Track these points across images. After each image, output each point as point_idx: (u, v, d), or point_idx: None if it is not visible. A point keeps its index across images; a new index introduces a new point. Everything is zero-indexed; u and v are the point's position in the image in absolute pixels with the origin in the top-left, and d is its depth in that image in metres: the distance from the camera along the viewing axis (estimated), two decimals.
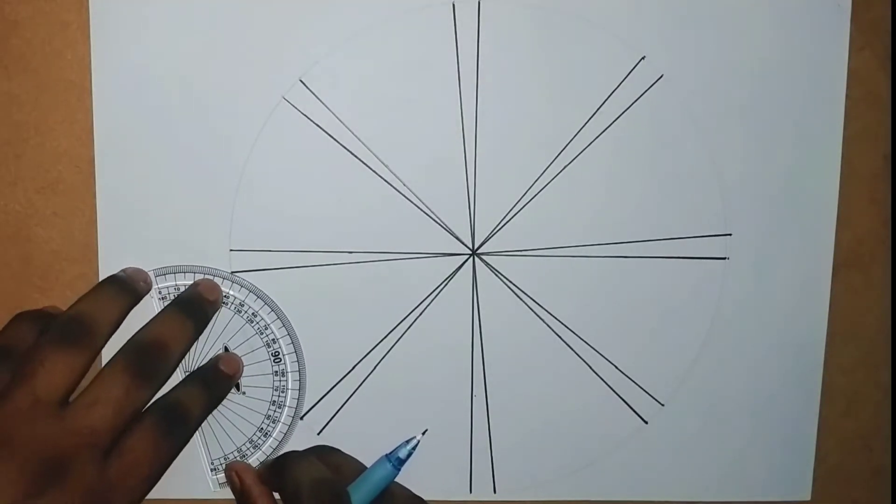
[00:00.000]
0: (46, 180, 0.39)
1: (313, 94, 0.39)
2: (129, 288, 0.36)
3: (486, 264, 0.40)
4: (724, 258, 0.40)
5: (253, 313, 0.39)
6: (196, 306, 0.37)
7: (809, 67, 0.39)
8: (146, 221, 0.39)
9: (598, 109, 0.39)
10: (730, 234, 0.40)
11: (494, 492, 0.41)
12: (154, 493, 0.41)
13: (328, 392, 0.40)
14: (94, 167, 0.39)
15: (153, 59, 0.38)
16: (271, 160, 0.39)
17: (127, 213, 0.39)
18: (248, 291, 0.39)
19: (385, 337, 0.40)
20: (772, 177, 0.40)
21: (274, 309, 0.39)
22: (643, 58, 0.39)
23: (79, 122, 0.38)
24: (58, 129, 0.39)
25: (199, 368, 0.39)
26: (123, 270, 0.38)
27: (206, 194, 0.39)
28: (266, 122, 0.39)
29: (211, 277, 0.39)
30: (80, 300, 0.35)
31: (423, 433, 0.38)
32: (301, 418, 0.40)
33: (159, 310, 0.38)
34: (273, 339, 0.39)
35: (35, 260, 0.39)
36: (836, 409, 0.41)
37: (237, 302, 0.39)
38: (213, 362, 0.38)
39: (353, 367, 0.40)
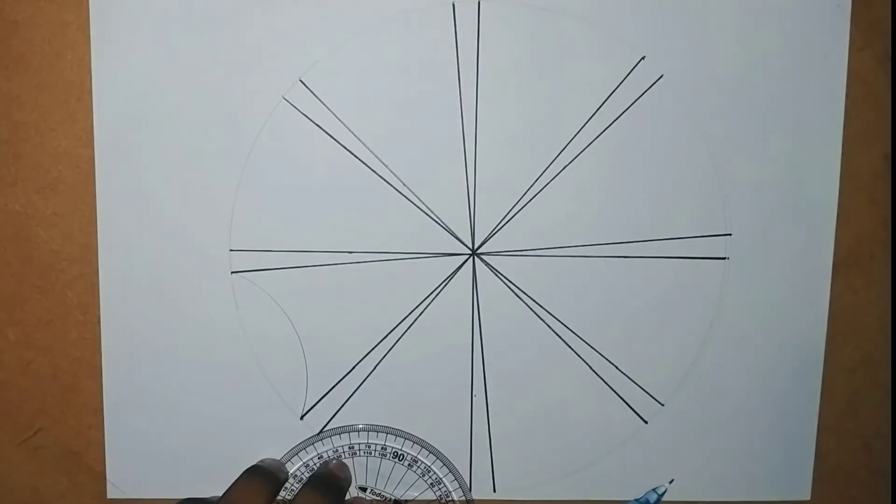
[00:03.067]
0: (46, 180, 0.39)
1: (313, 94, 0.39)
2: (271, 477, 0.37)
3: (486, 264, 0.40)
4: (724, 258, 0.40)
5: (426, 468, 0.40)
6: (331, 483, 0.38)
7: (809, 67, 0.39)
8: (146, 221, 0.39)
9: (598, 109, 0.39)
10: (730, 234, 0.40)
11: (494, 491, 0.41)
12: (155, 494, 0.41)
13: (328, 392, 0.40)
14: (94, 167, 0.39)
15: (153, 59, 0.38)
16: (271, 160, 0.39)
17: (127, 213, 0.39)
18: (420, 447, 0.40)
19: (385, 337, 0.40)
20: (772, 177, 0.40)
21: (440, 458, 0.40)
22: (643, 58, 0.39)
23: (79, 122, 0.38)
24: (58, 129, 0.39)
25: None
26: (262, 461, 0.39)
27: (206, 194, 0.39)
28: (266, 122, 0.39)
29: (341, 459, 0.40)
30: (229, 491, 0.36)
31: (670, 482, 0.39)
32: (301, 418, 0.40)
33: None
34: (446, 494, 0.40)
35: (35, 260, 0.39)
36: (836, 409, 0.41)
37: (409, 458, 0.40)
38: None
39: (354, 367, 0.40)
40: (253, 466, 0.38)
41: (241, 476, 0.37)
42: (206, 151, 0.39)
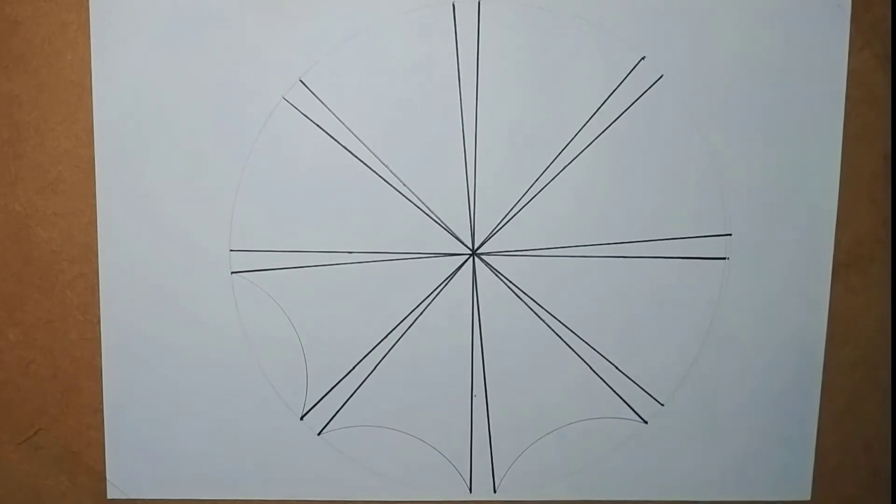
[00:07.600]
0: (46, 180, 0.39)
1: (313, 94, 0.39)
2: None
3: (486, 264, 0.40)
4: (724, 258, 0.40)
5: None
6: None
7: (809, 67, 0.39)
8: (146, 221, 0.39)
9: (598, 109, 0.39)
10: (730, 234, 0.40)
11: (494, 492, 0.41)
12: (155, 494, 0.41)
13: (328, 392, 0.40)
14: (94, 167, 0.39)
15: (153, 59, 0.38)
16: (271, 160, 0.39)
17: (127, 213, 0.39)
18: None
19: (385, 337, 0.40)
20: (772, 177, 0.40)
21: None
22: (643, 58, 0.39)
23: (79, 122, 0.38)
24: (58, 129, 0.39)
25: None
26: None
27: (206, 194, 0.39)
28: (266, 122, 0.39)
29: None
30: None
31: None
32: (301, 419, 0.40)
33: None
34: None
35: (35, 260, 0.39)
36: (836, 409, 0.41)
37: None
38: None
39: (354, 367, 0.40)
40: None
41: None
42: (206, 151, 0.39)
